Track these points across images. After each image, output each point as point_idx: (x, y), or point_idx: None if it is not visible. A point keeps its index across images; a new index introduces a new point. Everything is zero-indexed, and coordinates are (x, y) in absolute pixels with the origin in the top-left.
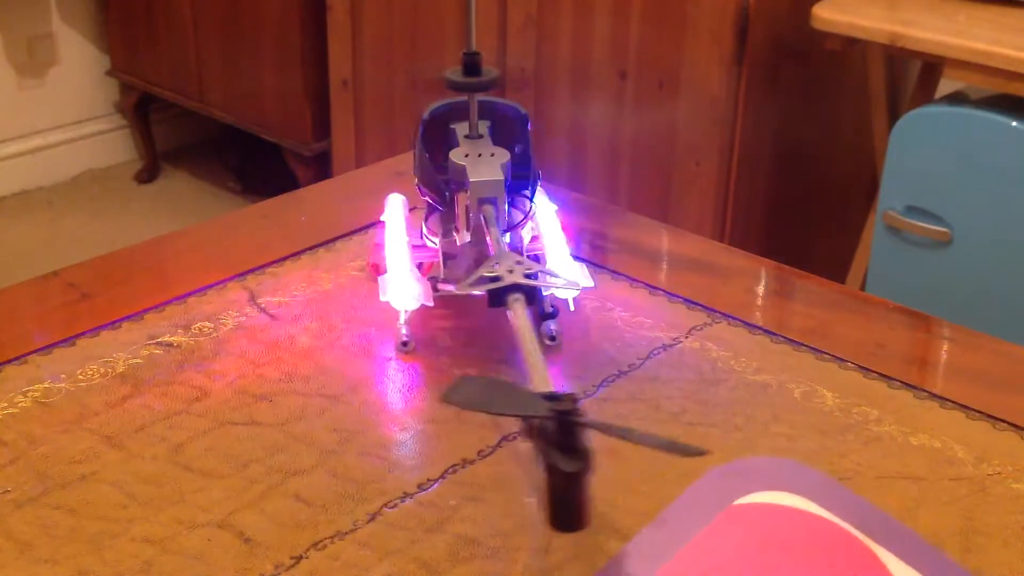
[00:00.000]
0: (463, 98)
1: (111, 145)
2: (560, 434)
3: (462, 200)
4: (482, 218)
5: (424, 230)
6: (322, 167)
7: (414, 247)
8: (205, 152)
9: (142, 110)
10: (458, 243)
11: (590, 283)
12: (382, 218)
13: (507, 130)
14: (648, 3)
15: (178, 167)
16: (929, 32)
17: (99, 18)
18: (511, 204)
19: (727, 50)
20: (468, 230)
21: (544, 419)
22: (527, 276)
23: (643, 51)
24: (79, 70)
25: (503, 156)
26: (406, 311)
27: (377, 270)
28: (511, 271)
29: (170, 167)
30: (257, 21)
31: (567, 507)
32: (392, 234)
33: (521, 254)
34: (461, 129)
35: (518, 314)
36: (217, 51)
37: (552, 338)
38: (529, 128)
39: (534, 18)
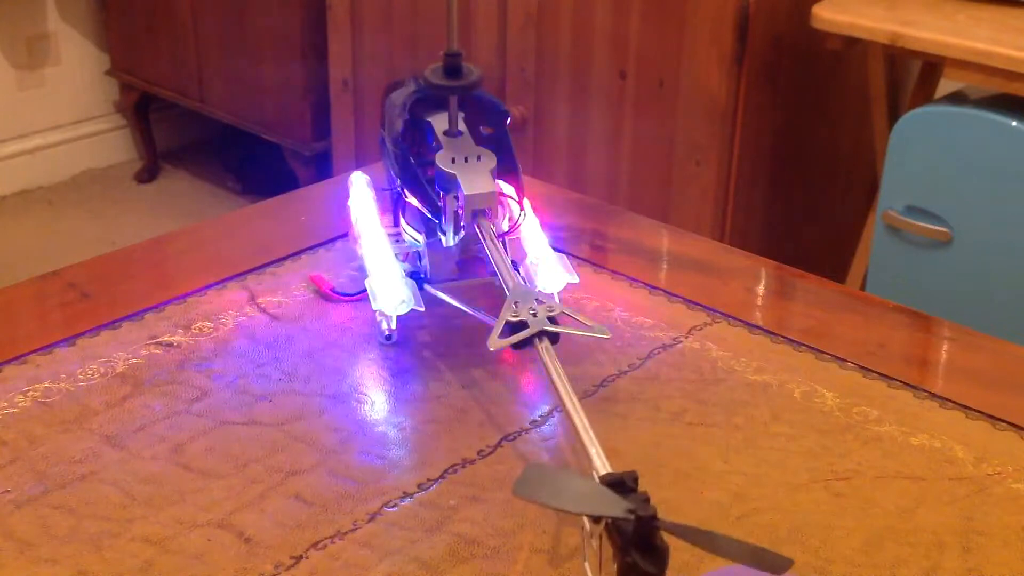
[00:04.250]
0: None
1: (111, 145)
2: (639, 535)
3: (450, 203)
4: (480, 232)
5: (403, 224)
6: (322, 167)
7: (389, 236)
8: (205, 152)
9: (142, 110)
10: (444, 244)
11: (575, 279)
12: (349, 203)
13: (480, 117)
14: (648, 2)
15: (178, 167)
16: (929, 32)
17: (99, 18)
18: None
19: (727, 50)
20: (456, 234)
21: (623, 519)
22: (550, 319)
23: (643, 51)
24: (79, 70)
25: (490, 159)
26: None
27: (333, 292)
28: (535, 314)
29: (170, 167)
30: (257, 21)
31: None
32: (368, 228)
33: (506, 251)
34: (438, 123)
35: (548, 359)
36: (217, 51)
37: None
38: (508, 123)
39: (534, 18)
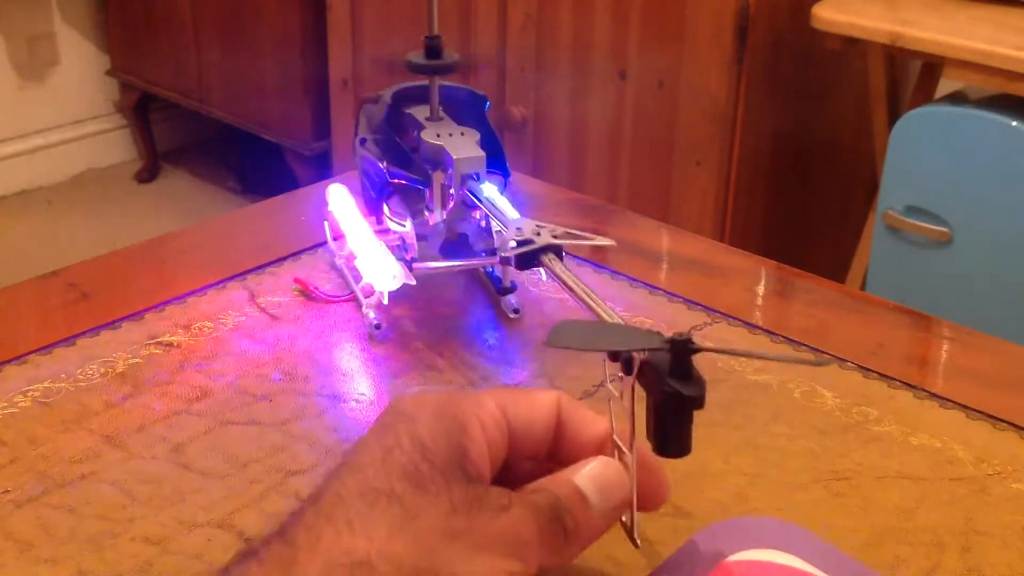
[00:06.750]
0: (413, 84)
1: (111, 145)
2: (677, 363)
3: (437, 179)
4: (469, 193)
5: (387, 214)
6: (322, 167)
7: (376, 232)
8: (205, 152)
9: (142, 110)
10: (431, 223)
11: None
12: (330, 209)
13: (460, 115)
14: (648, 3)
15: (178, 167)
16: (929, 32)
17: (99, 18)
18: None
19: (727, 50)
20: (444, 208)
21: (660, 349)
22: (555, 236)
23: (643, 51)
24: (79, 70)
25: (474, 134)
26: (388, 292)
27: (319, 292)
28: (538, 234)
29: (170, 167)
30: (257, 21)
31: (683, 434)
32: (349, 220)
33: (490, 232)
34: (419, 113)
35: (560, 270)
36: (217, 51)
37: (516, 311)
38: (488, 107)
39: (534, 18)
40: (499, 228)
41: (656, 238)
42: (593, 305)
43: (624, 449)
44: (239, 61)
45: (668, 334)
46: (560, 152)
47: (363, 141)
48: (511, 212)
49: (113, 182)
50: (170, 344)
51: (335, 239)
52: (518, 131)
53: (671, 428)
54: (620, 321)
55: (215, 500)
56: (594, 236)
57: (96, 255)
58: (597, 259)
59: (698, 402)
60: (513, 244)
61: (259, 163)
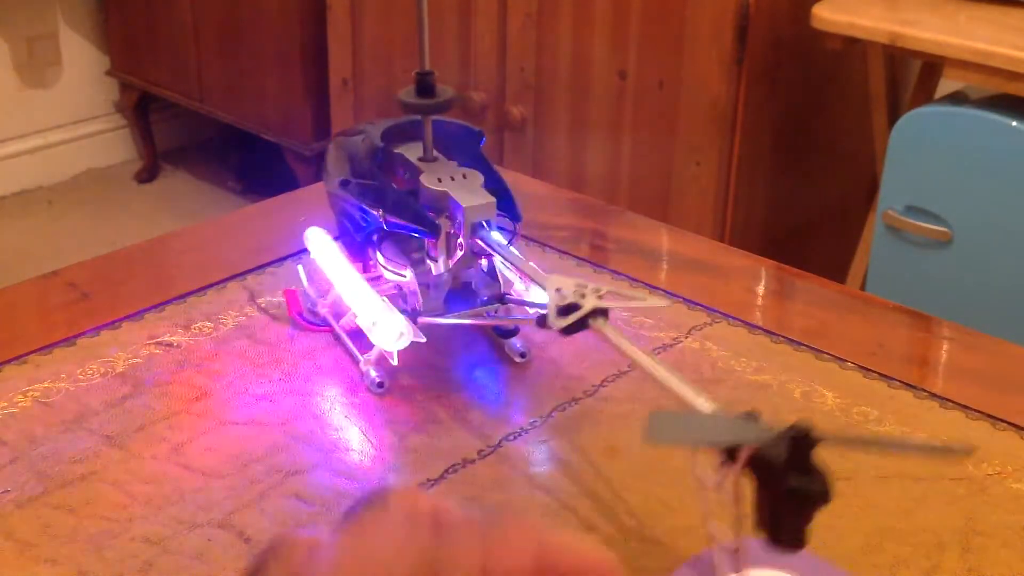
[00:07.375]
0: (402, 119)
1: (111, 145)
2: (796, 455)
3: (442, 225)
4: (481, 244)
5: (381, 262)
6: (322, 167)
7: (370, 280)
8: (205, 152)
9: (142, 110)
10: (434, 272)
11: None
12: (312, 256)
13: (453, 152)
14: (648, 3)
15: (178, 167)
16: (929, 32)
17: (99, 18)
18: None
19: (727, 50)
20: (449, 257)
21: (776, 444)
22: (600, 298)
23: (643, 51)
24: (79, 70)
25: (477, 176)
26: (396, 353)
27: (301, 317)
28: (583, 296)
29: (170, 167)
30: (257, 21)
31: (801, 527)
32: (340, 272)
33: (495, 277)
34: (410, 152)
35: (612, 336)
36: (217, 51)
37: (522, 355)
38: (483, 144)
39: (534, 18)
40: (506, 268)
41: (656, 238)
42: (655, 372)
43: (720, 540)
44: (239, 61)
45: (769, 420)
46: (560, 152)
47: (345, 183)
48: (540, 271)
49: (113, 182)
50: (170, 344)
51: (313, 285)
52: (518, 131)
53: (789, 522)
54: (688, 386)
55: (215, 500)
56: (644, 295)
57: (96, 255)
58: (597, 259)
59: (825, 498)
60: (556, 310)
61: (259, 163)
